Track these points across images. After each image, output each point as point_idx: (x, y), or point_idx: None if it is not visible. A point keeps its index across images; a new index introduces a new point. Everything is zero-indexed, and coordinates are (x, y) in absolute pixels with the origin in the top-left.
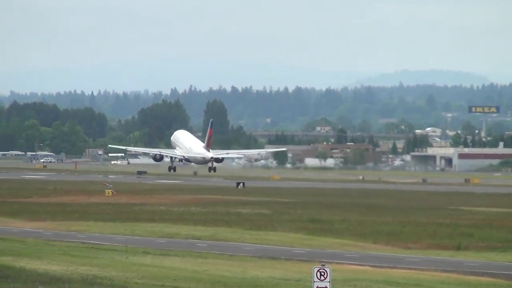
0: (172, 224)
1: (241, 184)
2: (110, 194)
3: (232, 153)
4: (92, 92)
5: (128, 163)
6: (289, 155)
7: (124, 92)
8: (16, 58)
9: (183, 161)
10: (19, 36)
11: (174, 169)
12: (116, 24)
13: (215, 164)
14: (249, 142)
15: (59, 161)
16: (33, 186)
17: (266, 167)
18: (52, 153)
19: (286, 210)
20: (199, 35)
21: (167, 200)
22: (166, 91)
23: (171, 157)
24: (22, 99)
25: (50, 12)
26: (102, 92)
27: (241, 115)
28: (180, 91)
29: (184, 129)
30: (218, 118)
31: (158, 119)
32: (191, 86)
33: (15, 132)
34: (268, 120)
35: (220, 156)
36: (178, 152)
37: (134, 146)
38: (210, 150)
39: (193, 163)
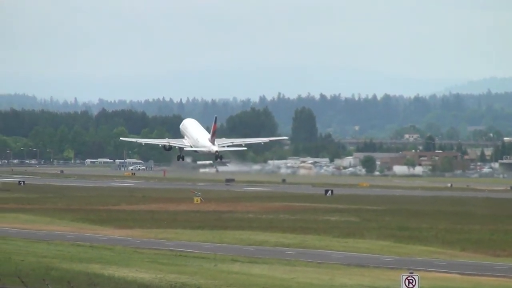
0: (261, 232)
1: (330, 191)
2: (199, 201)
3: (237, 142)
4: (180, 100)
5: (217, 170)
6: (378, 162)
7: (212, 99)
8: (104, 66)
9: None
10: (110, 44)
11: (183, 158)
12: (203, 31)
13: (222, 149)
14: (338, 149)
15: (147, 169)
16: (122, 194)
17: (354, 174)
18: (140, 161)
19: (375, 217)
20: (287, 42)
21: (255, 208)
22: (255, 98)
23: (179, 147)
24: (110, 107)
25: (137, 19)
26: (190, 99)
27: (330, 123)
28: (269, 98)
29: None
30: (306, 126)
31: (246, 126)
32: (279, 93)
33: (104, 140)
34: (357, 128)
35: (225, 145)
36: (186, 142)
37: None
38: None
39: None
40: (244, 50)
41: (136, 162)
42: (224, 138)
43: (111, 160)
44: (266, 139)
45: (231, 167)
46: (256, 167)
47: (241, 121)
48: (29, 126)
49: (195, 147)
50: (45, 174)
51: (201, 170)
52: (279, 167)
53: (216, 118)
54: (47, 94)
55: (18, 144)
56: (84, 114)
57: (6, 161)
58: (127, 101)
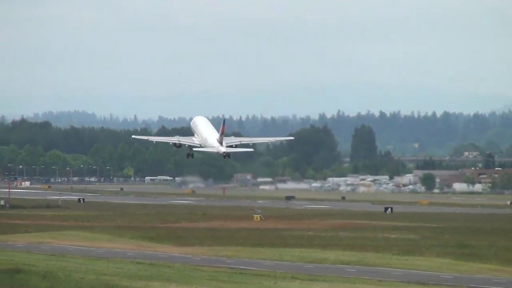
0: (321, 249)
1: (389, 209)
2: (259, 219)
3: (245, 141)
4: (240, 117)
5: (277, 188)
6: (437, 180)
7: (272, 116)
8: (164, 83)
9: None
10: (169, 61)
11: (192, 156)
12: (261, 48)
13: (230, 151)
14: (397, 167)
15: (207, 186)
16: (182, 212)
17: (414, 192)
18: (200, 178)
19: (434, 235)
20: (346, 59)
21: (315, 225)
22: (314, 116)
23: (189, 145)
24: (170, 124)
25: (197, 37)
26: (250, 116)
27: (389, 140)
28: (328, 116)
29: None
30: (366, 143)
31: (306, 144)
32: (339, 110)
33: (164, 158)
34: (416, 145)
35: (233, 144)
36: (195, 140)
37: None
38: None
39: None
40: (303, 67)
41: (196, 180)
42: (232, 137)
43: (171, 178)
44: (272, 139)
45: (290, 185)
46: (316, 184)
47: (301, 139)
48: (88, 143)
49: (203, 146)
50: (104, 191)
51: (261, 187)
52: (338, 185)
53: (224, 120)
54: (107, 112)
55: (78, 162)
56: (144, 131)
57: (66, 179)
58: (187, 118)
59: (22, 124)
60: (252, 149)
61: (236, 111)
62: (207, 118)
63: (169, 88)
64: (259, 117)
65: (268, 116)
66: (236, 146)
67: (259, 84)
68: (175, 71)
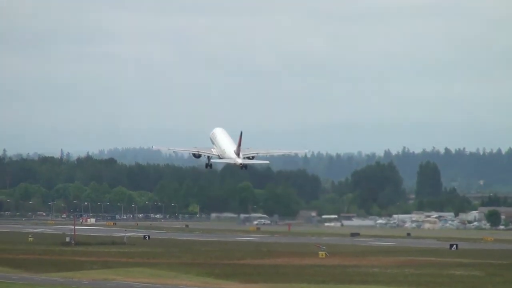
0: (386, 286)
1: (455, 245)
2: (324, 255)
3: (262, 152)
4: (305, 154)
5: (342, 225)
6: (502, 217)
7: (337, 153)
8: (229, 120)
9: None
10: (230, 97)
11: (211, 166)
12: (325, 84)
13: (246, 162)
14: (462, 204)
15: (272, 223)
16: (247, 248)
17: (479, 228)
18: (265, 215)
19: (500, 272)
20: (410, 96)
21: (380, 262)
22: (380, 152)
23: (208, 156)
24: None
25: (261, 75)
26: (315, 153)
27: (454, 177)
28: (393, 152)
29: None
30: (431, 180)
31: (371, 181)
32: (404, 147)
33: (229, 194)
34: (481, 182)
35: (251, 155)
36: (214, 152)
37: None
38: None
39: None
40: (367, 104)
41: (261, 217)
42: (251, 148)
43: (236, 215)
44: (287, 152)
45: (356, 221)
46: (381, 221)
47: (366, 175)
48: (154, 180)
49: (221, 157)
50: (170, 228)
51: (326, 224)
52: (403, 221)
53: (241, 132)
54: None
55: (143, 199)
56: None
57: (131, 216)
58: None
59: (87, 161)
60: (267, 161)
61: (302, 148)
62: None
63: (235, 125)
64: (324, 154)
65: (334, 153)
66: (253, 157)
67: (325, 120)
68: (237, 108)
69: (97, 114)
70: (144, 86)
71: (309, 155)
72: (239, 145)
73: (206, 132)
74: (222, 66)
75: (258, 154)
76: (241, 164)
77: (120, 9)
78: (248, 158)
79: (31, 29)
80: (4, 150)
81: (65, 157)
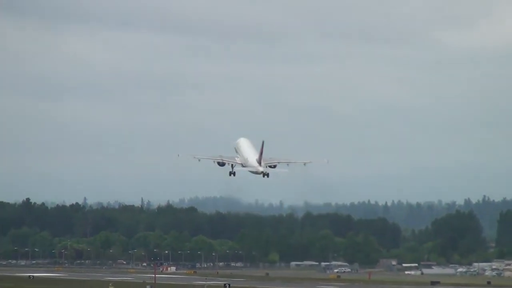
0: None
1: None
2: None
3: (283, 162)
4: (385, 202)
5: (422, 273)
6: None
7: (417, 202)
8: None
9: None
10: (303, 138)
11: (234, 174)
12: (405, 132)
13: (268, 171)
14: None
15: (353, 271)
16: None
17: None
18: (345, 263)
19: None
20: (488, 144)
21: None
22: (460, 201)
23: (232, 164)
24: (316, 210)
25: (345, 122)
26: (395, 202)
27: None
28: (474, 201)
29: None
30: (511, 228)
31: (451, 229)
32: (484, 196)
33: (309, 242)
34: None
35: (272, 164)
36: (237, 160)
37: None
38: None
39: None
40: (447, 151)
41: (342, 265)
42: (273, 158)
43: (316, 263)
44: (307, 161)
45: (436, 270)
46: (461, 269)
47: (446, 224)
48: (234, 229)
49: (244, 165)
50: (250, 277)
51: (406, 272)
52: (484, 270)
53: (263, 142)
54: (252, 197)
55: (224, 247)
56: (289, 216)
57: (211, 264)
58: (333, 204)
59: (168, 210)
60: (287, 170)
61: (382, 196)
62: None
63: (313, 174)
64: (404, 202)
65: (414, 202)
66: (275, 166)
67: (405, 169)
68: (318, 154)
69: (177, 163)
70: (224, 135)
71: (389, 203)
72: (261, 154)
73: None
74: (303, 113)
75: (280, 163)
76: (262, 172)
77: (203, 58)
78: (270, 166)
79: (108, 79)
80: (85, 199)
81: (145, 205)
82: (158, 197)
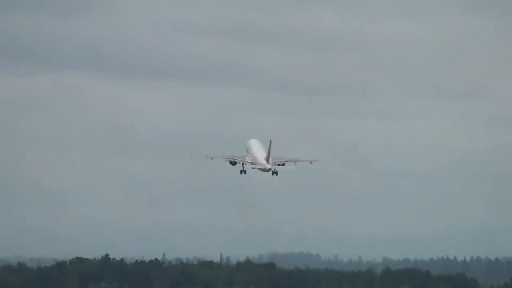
0: None
1: None
2: None
3: (290, 161)
4: (464, 258)
5: None
6: None
7: (496, 258)
8: (387, 223)
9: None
10: (385, 202)
11: (245, 172)
12: (489, 187)
13: (277, 169)
14: None
15: None
16: None
17: None
18: None
19: None
20: None
21: None
22: None
23: (242, 163)
24: (394, 265)
25: (416, 177)
26: (474, 257)
27: None
28: None
29: None
30: None
31: None
32: None
33: None
34: None
35: (281, 162)
36: (248, 159)
37: None
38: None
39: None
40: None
41: None
42: (281, 156)
43: None
44: (314, 160)
45: None
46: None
47: None
48: (313, 284)
49: (254, 163)
50: None
51: None
52: None
53: (270, 141)
54: (332, 252)
55: None
56: (368, 272)
57: None
58: (411, 259)
59: (247, 265)
60: (293, 168)
61: (461, 252)
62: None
63: (393, 228)
64: (483, 257)
65: (492, 257)
66: (283, 164)
67: (484, 223)
68: (402, 212)
69: (257, 218)
70: (298, 195)
71: (467, 259)
72: (269, 153)
73: (362, 234)
74: (370, 168)
75: (288, 161)
76: (270, 169)
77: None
78: (278, 164)
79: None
80: (164, 254)
81: (224, 261)
82: (237, 252)
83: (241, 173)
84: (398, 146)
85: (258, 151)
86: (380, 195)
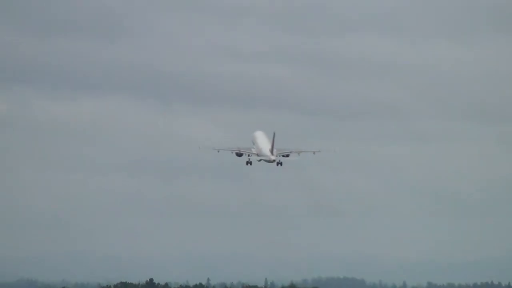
0: None
1: None
2: None
3: (294, 151)
4: (509, 283)
5: None
6: None
7: None
8: (429, 249)
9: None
10: (427, 226)
11: (251, 163)
12: None
13: (281, 160)
14: None
15: None
16: None
17: None
18: None
19: None
20: None
21: None
22: None
23: (248, 154)
24: None
25: (473, 204)
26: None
27: None
28: None
29: None
30: None
31: None
32: None
33: None
34: None
35: (285, 153)
36: (253, 150)
37: None
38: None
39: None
40: None
41: None
42: (285, 148)
43: None
44: (317, 150)
45: None
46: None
47: None
48: None
49: (259, 155)
50: None
51: None
52: None
53: (274, 133)
54: (376, 277)
55: None
56: None
57: None
58: (456, 284)
59: None
60: (297, 158)
61: (505, 277)
62: None
63: (438, 253)
64: None
65: None
66: (288, 155)
67: None
68: (444, 237)
69: (302, 242)
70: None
71: None
72: (273, 144)
73: (405, 258)
74: (415, 193)
75: (292, 152)
76: (274, 160)
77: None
78: (283, 155)
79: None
80: (208, 279)
81: (269, 285)
82: (281, 276)
83: (247, 164)
84: (442, 170)
85: (263, 143)
86: (424, 220)
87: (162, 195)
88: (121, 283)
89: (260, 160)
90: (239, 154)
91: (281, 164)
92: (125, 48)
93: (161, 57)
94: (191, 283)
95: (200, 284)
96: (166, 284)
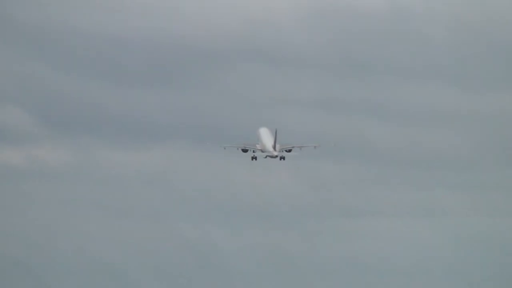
0: None
1: None
2: None
3: (297, 146)
4: None
5: None
6: None
7: None
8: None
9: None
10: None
11: (256, 159)
12: None
13: (284, 154)
14: None
15: None
16: None
17: None
18: None
19: None
20: None
21: None
22: None
23: (253, 150)
24: None
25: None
26: None
27: None
28: None
29: None
30: None
31: None
32: None
33: None
34: None
35: (287, 149)
36: (258, 146)
37: None
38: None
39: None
40: None
41: None
42: (288, 143)
43: None
44: (317, 145)
45: None
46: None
47: None
48: None
49: (263, 150)
50: None
51: None
52: None
53: (276, 130)
54: None
55: None
56: None
57: None
58: None
59: None
60: (297, 153)
61: None
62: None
63: None
64: None
65: None
66: (290, 150)
67: None
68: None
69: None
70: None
71: None
72: (275, 140)
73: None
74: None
75: (294, 147)
76: (277, 155)
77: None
78: (286, 150)
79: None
80: None
81: None
82: None
83: (252, 159)
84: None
85: (266, 140)
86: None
87: (236, 245)
88: None
89: (266, 156)
90: (245, 150)
91: (283, 158)
92: (198, 98)
93: (223, 105)
94: None
95: None
96: None
